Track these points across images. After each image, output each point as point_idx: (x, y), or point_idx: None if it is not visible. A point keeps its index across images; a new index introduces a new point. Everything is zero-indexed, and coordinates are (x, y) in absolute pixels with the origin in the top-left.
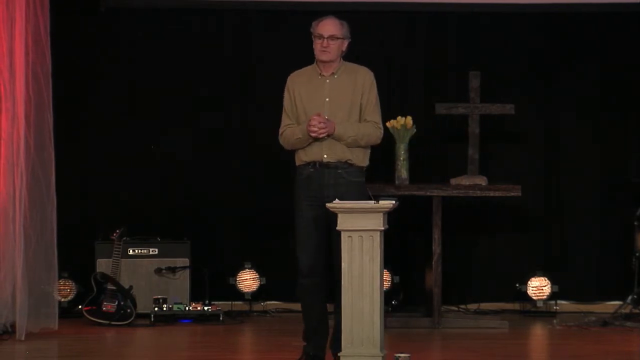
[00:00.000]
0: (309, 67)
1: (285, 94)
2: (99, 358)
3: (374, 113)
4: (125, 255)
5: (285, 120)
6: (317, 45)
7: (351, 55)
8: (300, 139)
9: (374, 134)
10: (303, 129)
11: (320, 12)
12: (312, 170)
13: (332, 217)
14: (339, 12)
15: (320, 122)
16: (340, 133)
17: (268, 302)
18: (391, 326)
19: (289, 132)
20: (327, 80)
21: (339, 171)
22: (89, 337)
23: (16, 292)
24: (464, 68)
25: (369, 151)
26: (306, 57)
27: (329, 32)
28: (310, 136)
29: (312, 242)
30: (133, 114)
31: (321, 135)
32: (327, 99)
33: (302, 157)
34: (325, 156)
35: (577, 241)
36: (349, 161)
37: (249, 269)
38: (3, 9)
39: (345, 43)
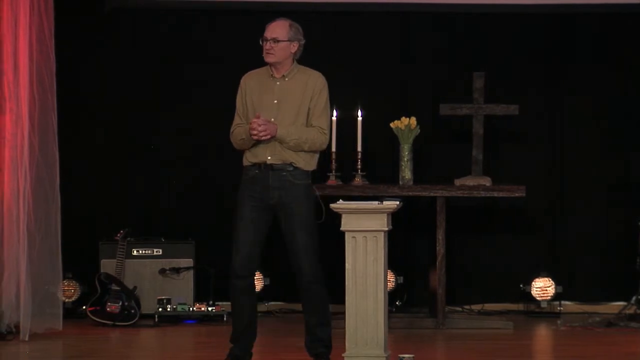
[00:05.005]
0: (263, 68)
1: (238, 94)
2: (103, 358)
3: (321, 118)
4: (130, 255)
5: (236, 119)
6: (263, 47)
7: (356, 55)
8: (244, 139)
9: (318, 139)
10: (247, 130)
11: (323, 13)
12: (257, 172)
13: (288, 219)
14: (344, 13)
15: (260, 125)
16: (282, 136)
17: (272, 303)
18: (395, 327)
19: (236, 131)
20: (278, 83)
21: (284, 173)
22: (93, 338)
23: (20, 293)
24: (468, 69)
25: (316, 155)
26: (306, 59)
27: (272, 34)
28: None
29: (249, 243)
30: (137, 114)
31: (262, 138)
32: (275, 101)
33: (248, 158)
34: (269, 158)
35: (581, 242)
36: (294, 164)
37: None
38: (7, 10)
39: (295, 45)
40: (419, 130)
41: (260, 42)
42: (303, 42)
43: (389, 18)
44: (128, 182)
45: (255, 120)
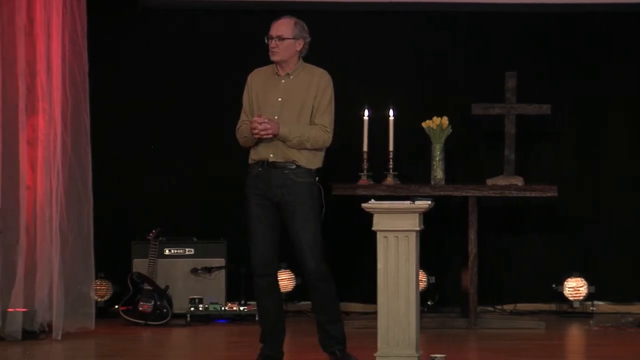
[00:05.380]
0: (270, 66)
1: (245, 91)
2: (135, 358)
3: (324, 116)
4: (162, 255)
5: (242, 116)
6: (268, 45)
7: (387, 55)
8: (247, 137)
9: (321, 137)
10: (249, 128)
11: (354, 13)
12: (260, 169)
13: (290, 218)
14: (375, 13)
15: (261, 124)
16: (285, 134)
17: (303, 303)
18: (427, 327)
19: (241, 129)
20: (282, 80)
21: (286, 172)
22: (125, 337)
23: (53, 292)
24: (501, 68)
25: (321, 153)
26: (337, 59)
27: (276, 32)
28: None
29: (262, 240)
30: (170, 113)
31: (263, 137)
32: (279, 99)
33: (252, 156)
34: (271, 155)
35: (614, 241)
36: (296, 162)
37: (284, 269)
38: (40, 9)
39: (300, 43)
40: (451, 130)
41: (266, 40)
42: (308, 39)
43: (419, 18)
44: (161, 182)
45: (256, 119)
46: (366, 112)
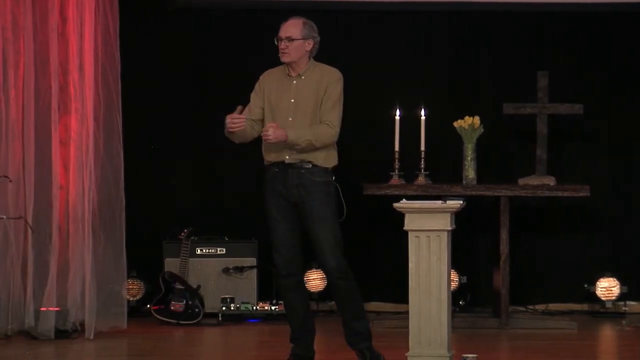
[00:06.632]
0: (281, 67)
1: (254, 90)
2: (166, 357)
3: (331, 112)
4: (193, 254)
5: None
6: (278, 46)
7: (419, 54)
8: (231, 134)
9: (327, 134)
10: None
11: (386, 13)
12: (277, 170)
13: (309, 217)
14: (409, 13)
15: (267, 130)
16: (293, 139)
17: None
18: (458, 326)
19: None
20: (294, 82)
21: (302, 171)
22: (157, 336)
23: (85, 291)
24: (532, 67)
25: (334, 152)
26: (373, 59)
27: (285, 33)
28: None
29: (282, 241)
30: (200, 114)
31: (271, 141)
32: (292, 100)
33: (267, 158)
34: (287, 157)
35: None
36: (312, 162)
37: (316, 269)
38: (73, 9)
39: (309, 43)
40: (482, 130)
41: (275, 42)
42: (318, 39)
43: (450, 17)
44: (192, 182)
45: (268, 126)
46: (397, 112)
